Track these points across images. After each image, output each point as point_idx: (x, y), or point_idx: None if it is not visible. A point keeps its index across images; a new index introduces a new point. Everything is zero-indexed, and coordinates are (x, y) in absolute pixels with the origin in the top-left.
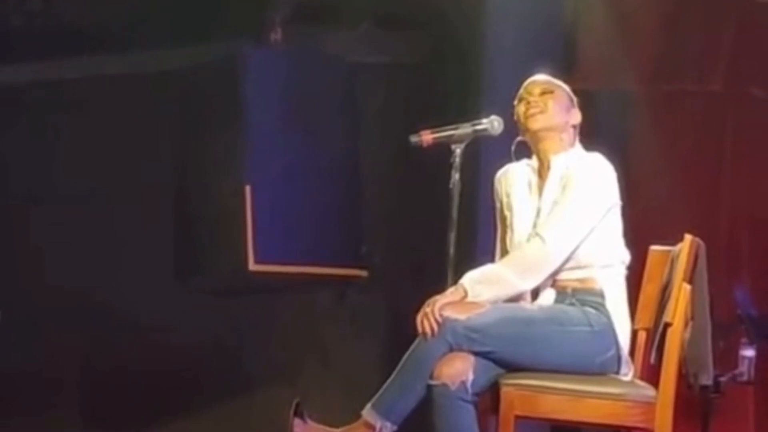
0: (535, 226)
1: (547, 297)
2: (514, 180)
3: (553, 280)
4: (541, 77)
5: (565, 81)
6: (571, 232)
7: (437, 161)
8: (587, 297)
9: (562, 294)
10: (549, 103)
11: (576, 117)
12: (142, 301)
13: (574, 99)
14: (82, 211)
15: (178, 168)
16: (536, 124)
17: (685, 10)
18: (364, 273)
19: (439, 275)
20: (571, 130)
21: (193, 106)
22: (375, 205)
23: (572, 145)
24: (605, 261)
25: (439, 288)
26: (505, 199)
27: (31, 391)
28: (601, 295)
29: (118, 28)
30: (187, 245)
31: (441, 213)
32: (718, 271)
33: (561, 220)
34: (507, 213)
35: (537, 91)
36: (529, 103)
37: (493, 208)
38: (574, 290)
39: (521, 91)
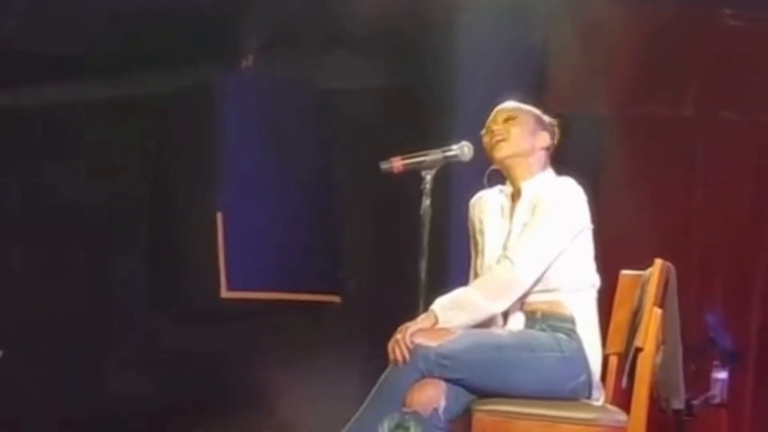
0: (505, 248)
1: (517, 321)
2: (487, 206)
3: (522, 303)
4: (507, 104)
5: (537, 105)
6: (540, 254)
7: (410, 187)
8: (558, 323)
9: (531, 318)
10: (512, 129)
11: (544, 140)
12: (118, 327)
13: (546, 121)
14: (55, 234)
15: (151, 194)
16: (500, 152)
17: (657, 34)
18: (337, 299)
19: (411, 302)
20: (540, 153)
21: (166, 132)
22: (348, 230)
23: (543, 168)
24: (575, 284)
25: (412, 315)
26: (477, 225)
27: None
28: (572, 320)
29: (91, 54)
30: (161, 273)
31: (414, 239)
32: (689, 294)
33: (530, 242)
34: (479, 238)
35: (501, 118)
36: (492, 131)
37: (467, 234)
38: (544, 314)
39: (488, 120)
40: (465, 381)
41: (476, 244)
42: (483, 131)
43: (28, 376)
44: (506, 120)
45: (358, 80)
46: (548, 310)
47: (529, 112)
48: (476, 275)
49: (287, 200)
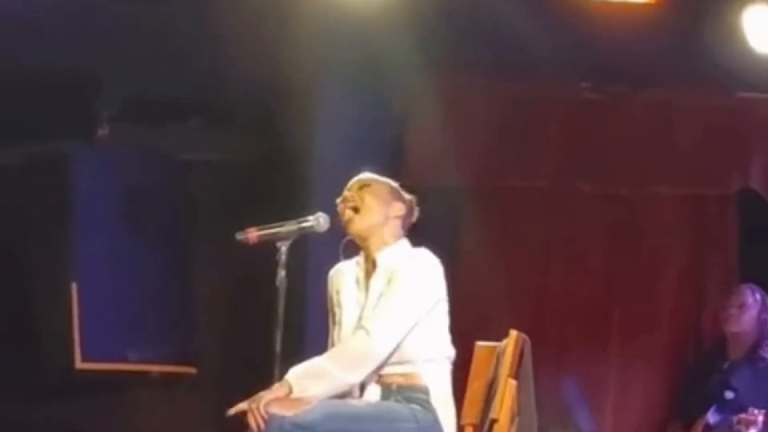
0: (360, 319)
1: (373, 393)
2: (344, 278)
3: (378, 375)
4: (363, 175)
5: (394, 177)
6: (396, 324)
7: (267, 257)
8: (412, 394)
9: (387, 390)
10: (366, 197)
11: (398, 209)
12: None
13: (401, 192)
14: None
15: (4, 266)
16: (354, 226)
17: (514, 106)
18: (192, 370)
19: (266, 372)
20: (394, 222)
21: (20, 204)
22: (203, 301)
23: (398, 238)
24: (430, 356)
25: (267, 385)
26: (335, 297)
27: None
28: (426, 391)
29: None
30: (16, 344)
31: (269, 309)
32: (545, 365)
33: (385, 313)
34: (337, 310)
35: (355, 186)
36: (345, 198)
37: (324, 305)
38: (399, 386)
39: (344, 190)
40: None
41: (334, 315)
42: (338, 200)
43: None
44: (360, 188)
45: (214, 151)
46: (404, 381)
47: (383, 182)
48: (333, 346)
49: (143, 270)
